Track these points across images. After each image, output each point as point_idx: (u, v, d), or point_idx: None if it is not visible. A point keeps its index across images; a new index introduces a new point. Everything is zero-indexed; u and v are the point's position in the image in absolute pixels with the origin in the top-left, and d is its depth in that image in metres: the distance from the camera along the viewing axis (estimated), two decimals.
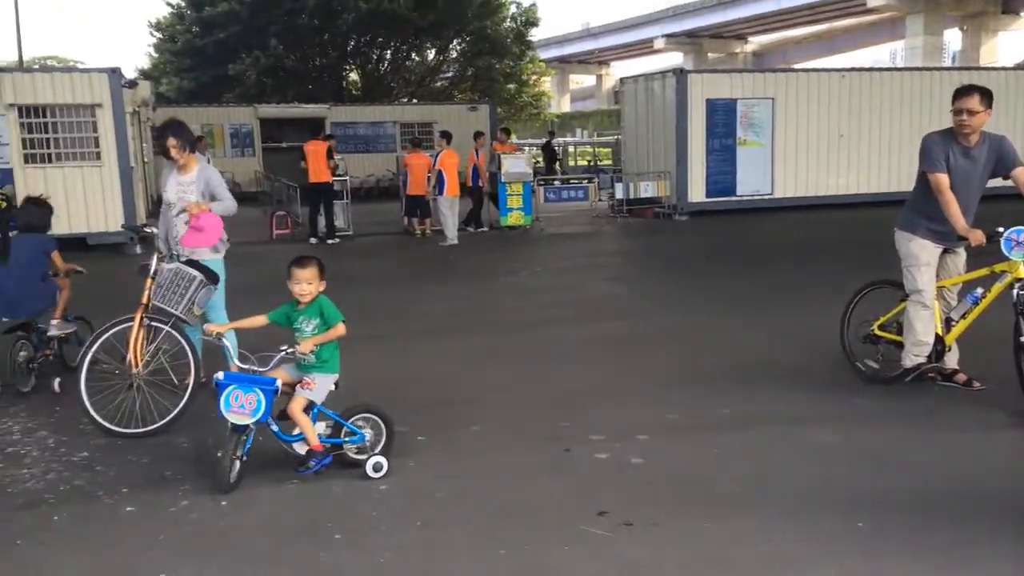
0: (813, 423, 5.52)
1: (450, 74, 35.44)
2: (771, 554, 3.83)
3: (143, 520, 4.31)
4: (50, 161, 14.29)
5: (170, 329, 5.78)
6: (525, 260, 13.60)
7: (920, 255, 5.88)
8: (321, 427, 4.80)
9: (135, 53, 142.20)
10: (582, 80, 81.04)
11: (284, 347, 4.72)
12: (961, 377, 6.09)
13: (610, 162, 32.80)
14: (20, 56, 29.60)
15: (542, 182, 18.74)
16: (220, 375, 4.57)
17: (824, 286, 9.86)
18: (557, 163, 30.98)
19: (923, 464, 4.82)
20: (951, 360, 6.09)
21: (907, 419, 5.57)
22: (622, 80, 20.93)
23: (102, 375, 5.71)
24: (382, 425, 4.90)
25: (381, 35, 31.96)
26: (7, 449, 5.41)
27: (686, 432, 5.43)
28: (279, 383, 4.59)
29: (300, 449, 4.73)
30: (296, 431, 4.71)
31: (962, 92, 5.71)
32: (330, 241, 15.51)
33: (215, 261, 6.24)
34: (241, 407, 4.48)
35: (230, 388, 4.50)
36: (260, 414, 4.48)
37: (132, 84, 17.18)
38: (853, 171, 18.94)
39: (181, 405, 5.64)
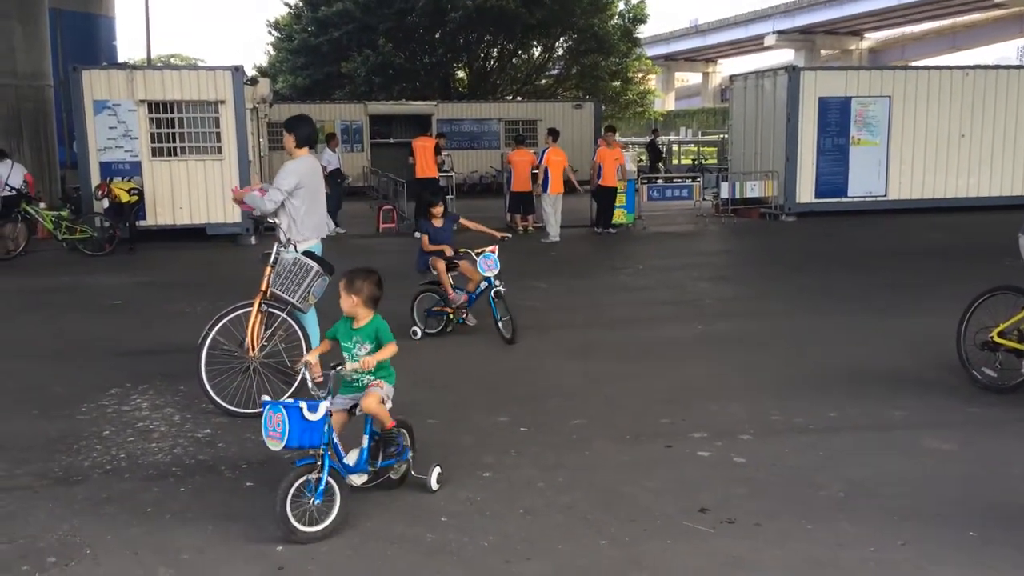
0: (924, 429, 5.37)
1: (555, 71, 35.51)
2: (877, 559, 3.77)
3: (261, 494, 4.55)
4: (175, 155, 15.07)
5: (286, 316, 6.05)
6: (627, 258, 13.57)
7: None
8: (362, 479, 4.44)
9: (254, 51, 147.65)
10: (688, 78, 79.84)
11: (334, 363, 4.45)
12: None
13: (715, 161, 32.28)
14: (148, 54, 31.21)
15: (645, 180, 18.63)
16: (267, 397, 4.29)
17: (939, 290, 9.53)
18: (661, 161, 30.68)
19: None
20: None
21: None
22: (732, 78, 20.57)
23: (221, 357, 6.03)
24: (408, 438, 4.65)
25: (489, 33, 32.33)
26: (137, 424, 5.78)
27: (791, 433, 5.37)
28: (323, 405, 4.13)
29: (358, 480, 4.41)
30: (352, 461, 4.37)
31: None
32: None
33: (316, 244, 6.44)
34: (272, 430, 4.06)
35: (266, 410, 4.11)
36: (287, 435, 4.00)
37: (253, 81, 17.91)
38: (975, 173, 18.11)
39: (293, 388, 5.92)
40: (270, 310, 6.08)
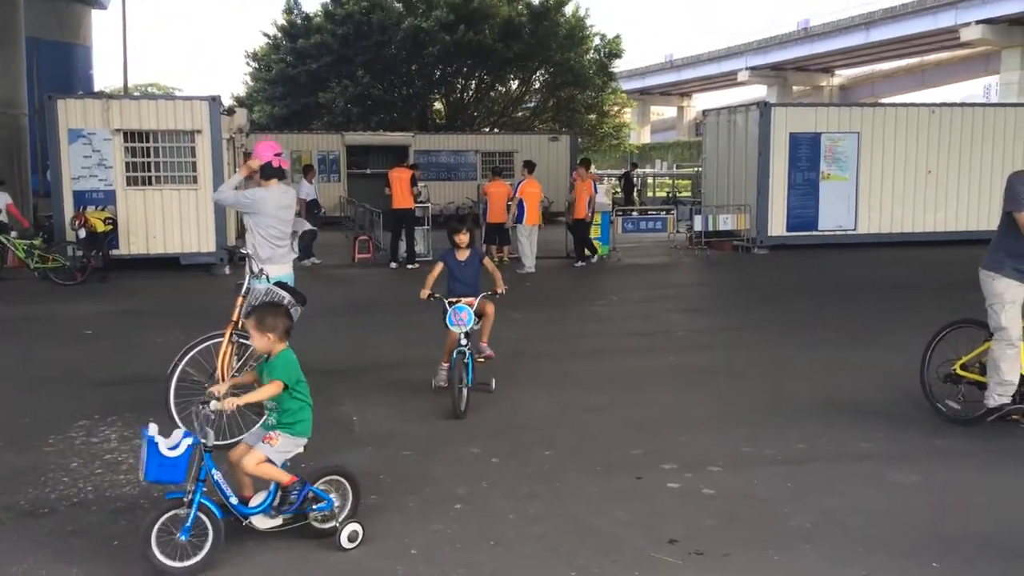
0: (890, 461, 5.45)
1: (532, 104, 35.92)
2: None
3: (230, 532, 4.52)
4: (150, 184, 15.03)
5: None
6: (602, 290, 13.67)
7: (1004, 293, 5.78)
8: (270, 523, 4.25)
9: (232, 81, 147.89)
10: (663, 111, 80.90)
11: (202, 399, 4.22)
12: None
13: (689, 194, 32.66)
14: (125, 83, 31.14)
15: (620, 212, 18.82)
16: (152, 429, 4.01)
17: (905, 324, 9.68)
18: (636, 193, 31.00)
19: (1002, 507, 4.73)
20: None
21: (988, 460, 5.46)
22: (705, 112, 20.92)
23: (191, 388, 5.99)
24: (348, 488, 4.46)
25: (466, 65, 32.67)
26: (105, 456, 5.73)
27: (760, 464, 5.43)
28: (152, 428, 3.98)
29: (262, 523, 4.22)
30: (255, 503, 4.23)
31: None
32: (410, 266, 15.85)
33: (278, 277, 6.44)
34: (140, 461, 4.00)
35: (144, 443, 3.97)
36: (144, 471, 3.94)
37: (230, 111, 17.94)
38: (941, 208, 18.48)
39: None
40: (241, 340, 6.07)
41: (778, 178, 17.65)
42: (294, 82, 32.29)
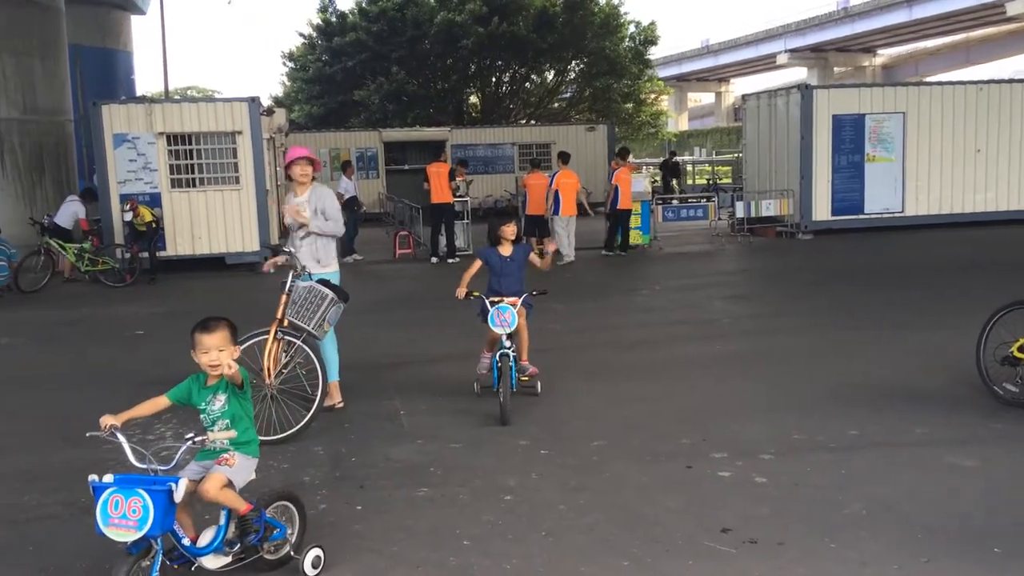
0: (946, 446, 5.35)
1: (568, 95, 35.76)
2: None
3: None
4: (193, 185, 15.27)
5: (301, 343, 6.12)
6: (643, 279, 13.59)
7: None
8: (221, 561, 3.72)
9: (268, 82, 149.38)
10: (700, 98, 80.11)
11: (191, 435, 3.59)
12: None
13: (729, 180, 32.30)
14: (166, 86, 31.61)
15: (660, 201, 18.68)
16: (96, 477, 3.41)
17: (958, 307, 9.49)
18: (675, 181, 30.72)
19: None
20: None
21: None
22: (744, 97, 20.65)
23: None
24: (295, 512, 4.09)
25: (501, 58, 32.64)
26: (162, 453, 5.82)
27: (812, 452, 5.36)
28: (182, 484, 3.45)
29: (213, 563, 3.69)
30: (205, 542, 3.68)
31: None
32: (450, 260, 15.89)
33: (325, 274, 6.55)
34: (123, 517, 3.31)
35: (107, 493, 3.34)
36: (150, 523, 3.31)
37: (269, 112, 18.14)
38: (991, 188, 18.06)
39: (311, 413, 5.99)
40: (286, 337, 6.15)
41: (822, 161, 17.37)
42: (331, 80, 32.56)
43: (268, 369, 6.04)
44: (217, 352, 3.78)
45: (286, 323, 6.14)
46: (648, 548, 4.11)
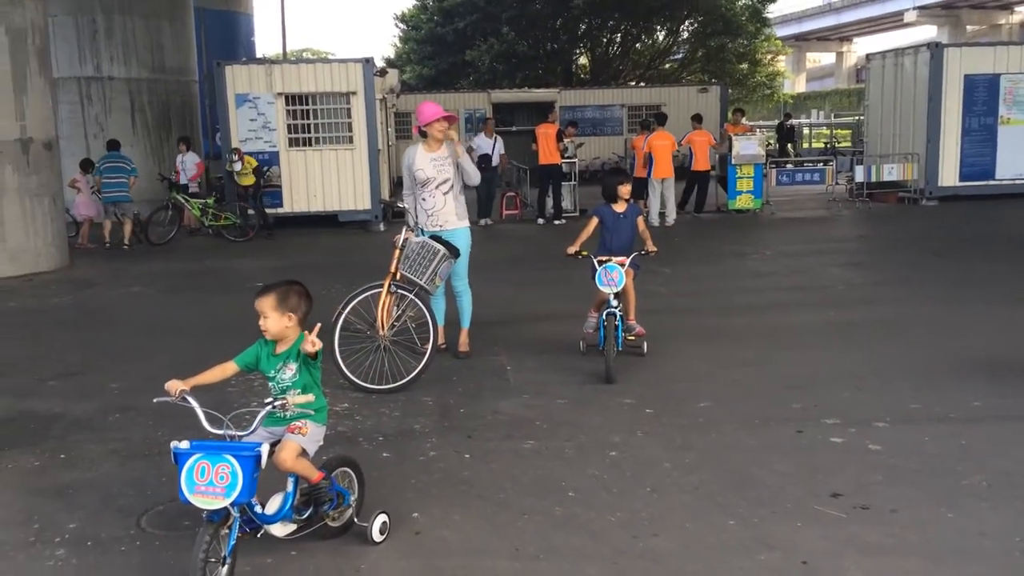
0: None
1: (680, 55, 34.93)
2: (1023, 550, 3.62)
3: (397, 465, 4.76)
4: (309, 145, 15.71)
5: (414, 297, 6.29)
6: (754, 243, 13.28)
7: None
8: (288, 529, 3.65)
9: (380, 44, 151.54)
10: (820, 58, 76.86)
11: (269, 400, 3.48)
12: None
13: (848, 144, 31.03)
14: (284, 48, 32.57)
15: (774, 164, 18.14)
16: (179, 443, 3.29)
17: None
18: (791, 145, 29.72)
19: None
20: None
21: None
22: (868, 56, 19.71)
23: (354, 336, 6.29)
24: (354, 479, 4.00)
25: (612, 18, 32.12)
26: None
27: (930, 422, 5.18)
28: (264, 447, 3.34)
29: (281, 531, 3.62)
30: (274, 509, 3.56)
31: None
32: (557, 222, 15.90)
33: (464, 229, 6.77)
34: (210, 484, 3.20)
35: (193, 460, 3.22)
36: (238, 490, 3.20)
37: (382, 73, 18.42)
38: None
39: (422, 365, 6.19)
40: (399, 291, 6.32)
41: (950, 124, 16.50)
42: (442, 41, 32.78)
43: (382, 321, 6.24)
44: (263, 319, 3.73)
45: (399, 277, 6.32)
46: (755, 510, 4.08)
